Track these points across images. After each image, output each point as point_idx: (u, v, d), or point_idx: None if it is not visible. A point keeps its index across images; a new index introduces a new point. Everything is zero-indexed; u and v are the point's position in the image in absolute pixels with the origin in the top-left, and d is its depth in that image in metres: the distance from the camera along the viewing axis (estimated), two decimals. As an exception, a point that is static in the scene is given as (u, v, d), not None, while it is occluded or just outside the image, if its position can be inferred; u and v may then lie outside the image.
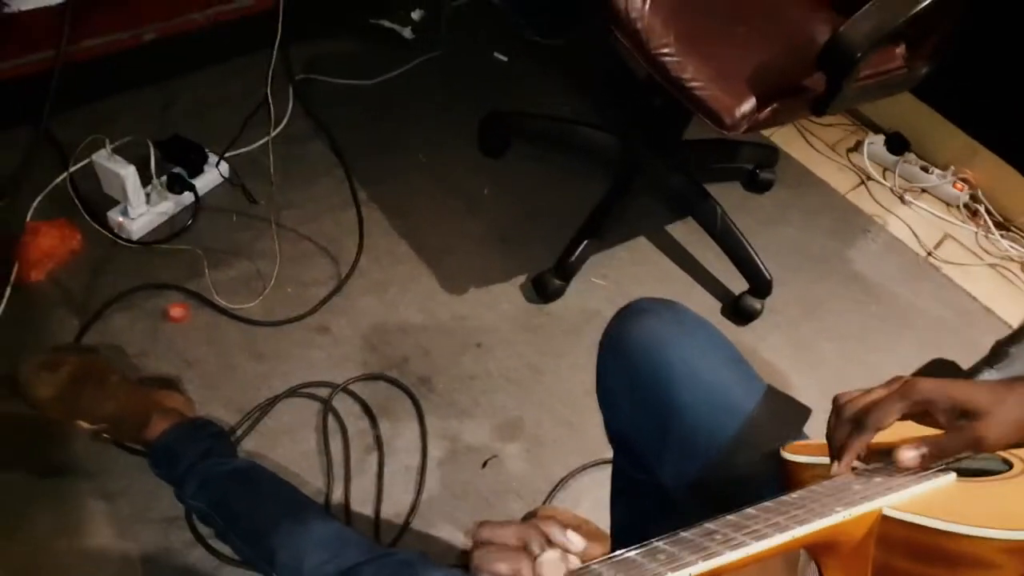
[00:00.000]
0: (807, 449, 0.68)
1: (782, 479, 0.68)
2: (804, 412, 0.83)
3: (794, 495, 0.53)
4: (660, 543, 0.44)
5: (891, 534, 0.51)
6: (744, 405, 0.79)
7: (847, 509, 0.50)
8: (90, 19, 1.40)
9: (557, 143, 1.84)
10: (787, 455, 0.67)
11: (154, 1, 1.48)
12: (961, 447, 0.61)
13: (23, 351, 1.27)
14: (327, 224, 1.60)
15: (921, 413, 0.63)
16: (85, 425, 1.14)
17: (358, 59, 1.92)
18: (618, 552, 0.43)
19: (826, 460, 0.64)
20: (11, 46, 1.32)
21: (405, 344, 1.46)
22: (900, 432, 0.66)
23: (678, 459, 0.80)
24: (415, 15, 2.01)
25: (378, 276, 1.55)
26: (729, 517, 0.48)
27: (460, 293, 1.55)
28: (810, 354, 1.60)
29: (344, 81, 1.85)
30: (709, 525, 0.47)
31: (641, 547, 0.43)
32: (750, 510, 0.50)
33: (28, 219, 1.45)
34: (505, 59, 2.03)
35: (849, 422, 0.64)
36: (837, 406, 0.67)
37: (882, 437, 0.65)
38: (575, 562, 0.44)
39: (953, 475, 0.59)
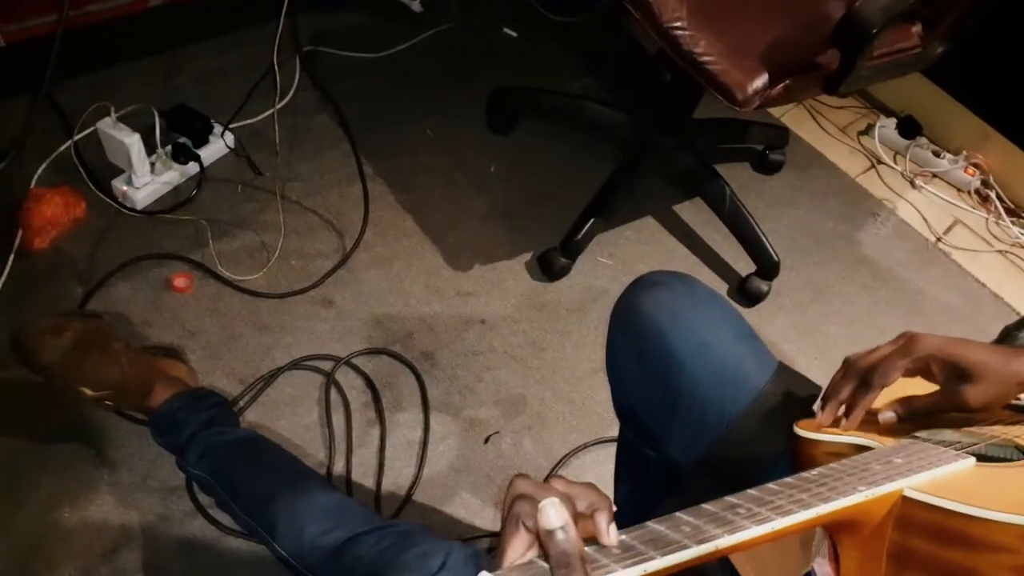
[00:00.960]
0: (819, 426, 0.68)
1: (793, 456, 0.68)
2: (815, 389, 0.82)
3: (814, 472, 0.53)
4: (683, 515, 0.43)
5: (911, 516, 0.51)
6: (755, 380, 0.79)
7: (869, 489, 0.50)
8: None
9: (565, 120, 1.82)
10: (800, 431, 0.66)
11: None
12: (946, 405, 0.62)
13: (27, 318, 1.27)
14: (332, 197, 1.59)
15: (925, 369, 0.64)
16: (88, 392, 1.14)
17: (366, 32, 1.90)
18: (640, 524, 0.42)
19: (839, 438, 0.64)
20: (15, 8, 1.30)
21: (409, 319, 1.45)
22: (908, 390, 0.66)
23: (687, 433, 0.79)
24: (424, -12, 1.99)
25: (383, 250, 1.54)
26: (751, 492, 0.48)
27: (465, 269, 1.54)
28: (817, 337, 1.59)
29: (352, 54, 1.83)
30: (731, 499, 0.46)
31: (664, 519, 0.42)
32: (771, 485, 0.49)
33: (32, 186, 1.44)
34: (515, 35, 2.00)
35: (855, 378, 0.65)
36: (845, 363, 0.68)
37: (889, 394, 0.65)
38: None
39: (972, 460, 0.58)
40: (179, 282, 1.39)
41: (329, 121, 1.71)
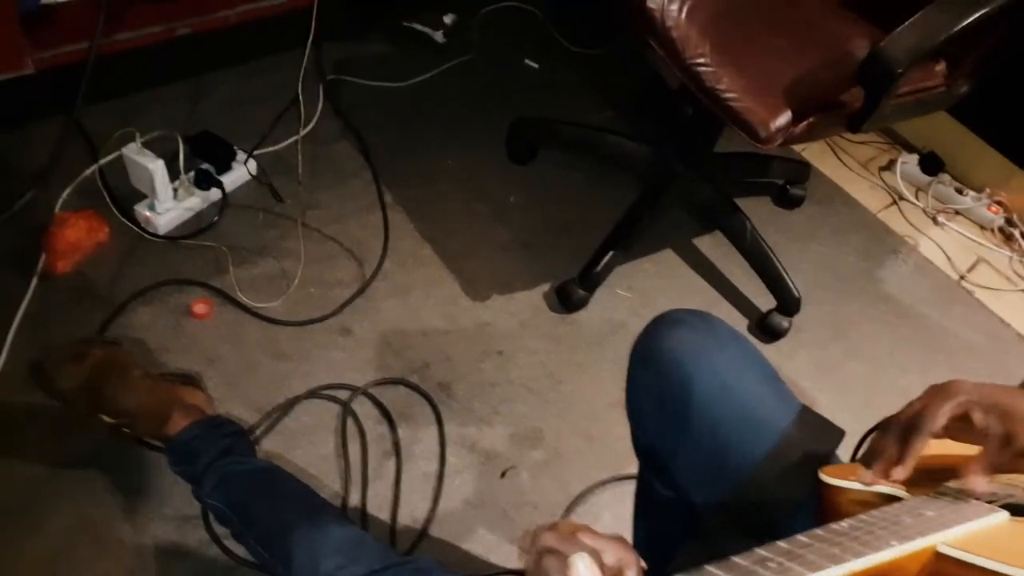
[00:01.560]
0: (846, 472, 0.66)
1: (819, 503, 0.66)
2: (838, 433, 0.80)
3: (844, 524, 0.52)
4: (712, 569, 0.42)
5: (944, 572, 0.50)
6: (778, 423, 0.77)
7: (902, 544, 0.49)
8: (124, 12, 1.41)
9: (585, 151, 1.83)
10: (826, 478, 0.65)
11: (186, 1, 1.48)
12: (1006, 455, 0.60)
13: (48, 342, 1.28)
14: (352, 225, 1.60)
15: (963, 417, 0.63)
16: (106, 419, 1.14)
17: (389, 61, 1.92)
18: None
19: (867, 487, 0.63)
20: (46, 36, 1.33)
21: (426, 349, 1.45)
22: (936, 452, 0.65)
23: (709, 476, 0.78)
24: (447, 19, 2.01)
25: (402, 279, 1.54)
26: (781, 544, 0.47)
27: (483, 299, 1.54)
28: (838, 375, 1.57)
29: (375, 83, 1.85)
30: (762, 552, 0.45)
31: (690, 573, 0.42)
32: (801, 537, 0.48)
33: (57, 210, 1.46)
34: (536, 66, 2.02)
35: (900, 432, 0.64)
36: (883, 424, 0.66)
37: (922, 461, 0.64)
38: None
39: (1006, 514, 0.57)
40: (199, 308, 1.39)
41: (351, 149, 1.72)
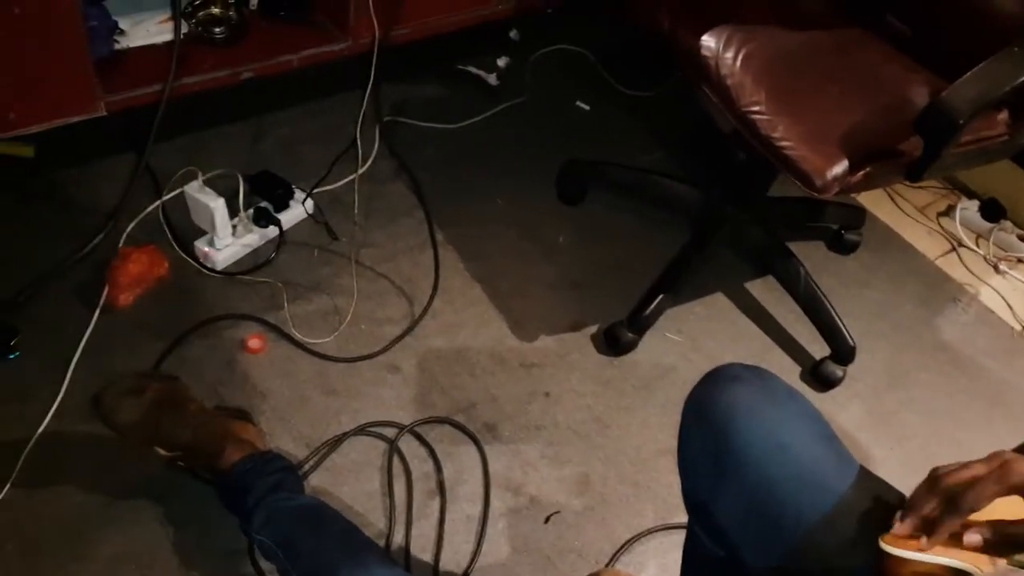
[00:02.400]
0: (907, 542, 0.64)
1: (878, 572, 0.64)
2: (899, 498, 0.78)
3: None
4: None
5: None
6: (835, 485, 0.76)
7: None
8: (192, 57, 1.46)
9: (636, 193, 1.83)
10: (887, 547, 0.63)
11: (254, 42, 1.53)
12: None
13: (107, 373, 1.32)
14: (404, 264, 1.62)
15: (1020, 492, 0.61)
16: (161, 451, 1.16)
17: (444, 103, 1.95)
18: None
19: (930, 559, 0.61)
20: (117, 80, 1.38)
21: (473, 389, 1.45)
22: (999, 509, 0.63)
23: (761, 537, 0.76)
24: (500, 62, 2.05)
25: (451, 318, 1.55)
26: None
27: (531, 340, 1.54)
28: (893, 427, 1.53)
29: (429, 124, 1.88)
30: None
31: None
32: None
33: (121, 244, 1.50)
34: (587, 108, 2.03)
35: (943, 497, 0.62)
36: (932, 477, 0.65)
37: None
38: None
39: None
40: (253, 343, 1.42)
41: (404, 189, 1.75)
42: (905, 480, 0.80)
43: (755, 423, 0.77)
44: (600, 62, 2.10)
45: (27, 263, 1.44)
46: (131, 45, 1.46)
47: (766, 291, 1.71)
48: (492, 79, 2.01)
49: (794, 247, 1.66)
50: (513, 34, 2.13)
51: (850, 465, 0.77)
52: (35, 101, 1.28)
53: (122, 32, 1.45)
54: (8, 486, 1.19)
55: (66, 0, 1.21)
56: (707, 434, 0.79)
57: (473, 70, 2.02)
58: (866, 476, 0.77)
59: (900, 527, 0.64)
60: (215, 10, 1.51)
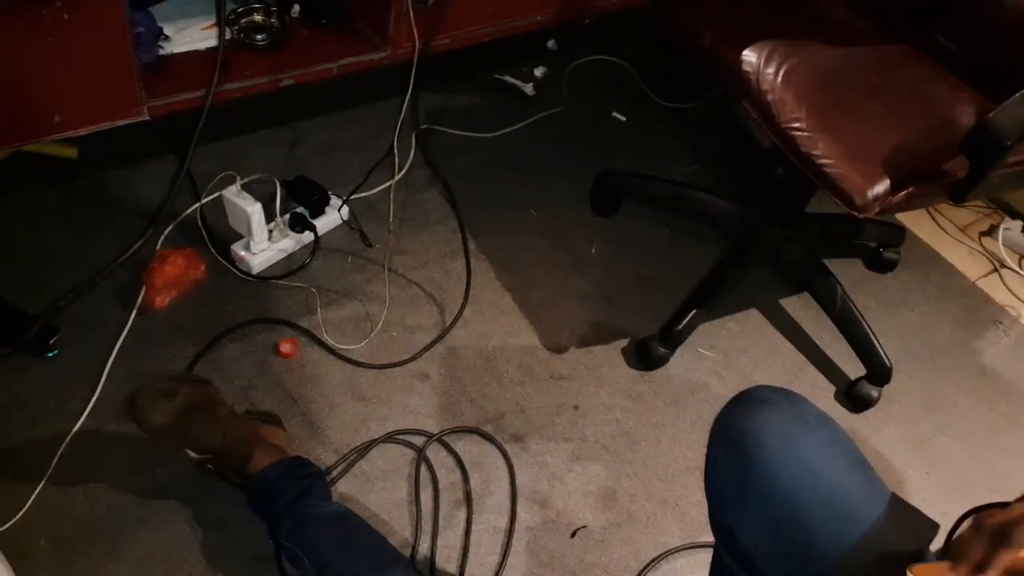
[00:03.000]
0: (937, 573, 0.63)
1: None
2: (931, 527, 0.76)
3: None
4: None
5: None
6: (866, 513, 0.74)
7: None
8: (235, 64, 1.48)
9: (671, 206, 1.81)
10: (918, 581, 0.62)
11: (295, 50, 1.55)
12: None
13: (142, 373, 1.34)
14: (436, 271, 1.62)
15: None
16: (192, 454, 1.18)
17: (480, 112, 1.96)
18: None
19: None
20: (164, 85, 1.41)
21: (502, 399, 1.45)
22: None
23: (789, 565, 0.75)
24: (538, 72, 2.05)
25: (481, 327, 1.55)
26: None
27: (560, 351, 1.53)
28: (929, 451, 1.50)
29: (464, 133, 1.89)
30: None
31: None
32: None
33: (159, 246, 1.53)
34: (624, 119, 2.02)
35: (991, 536, 0.60)
36: (975, 521, 0.63)
37: None
38: None
39: None
40: (286, 347, 1.43)
41: (439, 197, 1.75)
42: (940, 506, 0.78)
43: (785, 449, 0.75)
44: (638, 73, 2.09)
45: (68, 263, 1.47)
46: (175, 51, 1.48)
47: (801, 308, 1.69)
48: (528, 89, 2.02)
49: (831, 264, 1.63)
50: (551, 44, 2.13)
51: (881, 493, 0.76)
52: (80, 104, 1.30)
53: (167, 38, 1.48)
54: (43, 483, 1.21)
55: (115, 6, 1.23)
56: (734, 459, 0.78)
57: (509, 79, 2.02)
58: (898, 504, 0.75)
59: None
60: (257, 17, 1.53)
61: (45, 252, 1.50)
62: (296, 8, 1.61)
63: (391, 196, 1.67)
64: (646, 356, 1.53)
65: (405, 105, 1.50)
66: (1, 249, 1.49)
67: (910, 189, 1.19)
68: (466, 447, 1.38)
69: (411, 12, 1.54)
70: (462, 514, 1.30)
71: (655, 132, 2.01)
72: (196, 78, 1.42)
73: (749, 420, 0.78)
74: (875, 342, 1.53)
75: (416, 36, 1.57)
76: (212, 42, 1.48)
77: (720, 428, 0.82)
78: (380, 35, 1.59)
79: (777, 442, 0.76)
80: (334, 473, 1.31)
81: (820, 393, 1.56)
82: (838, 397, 1.56)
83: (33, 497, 1.19)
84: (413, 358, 1.48)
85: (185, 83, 1.42)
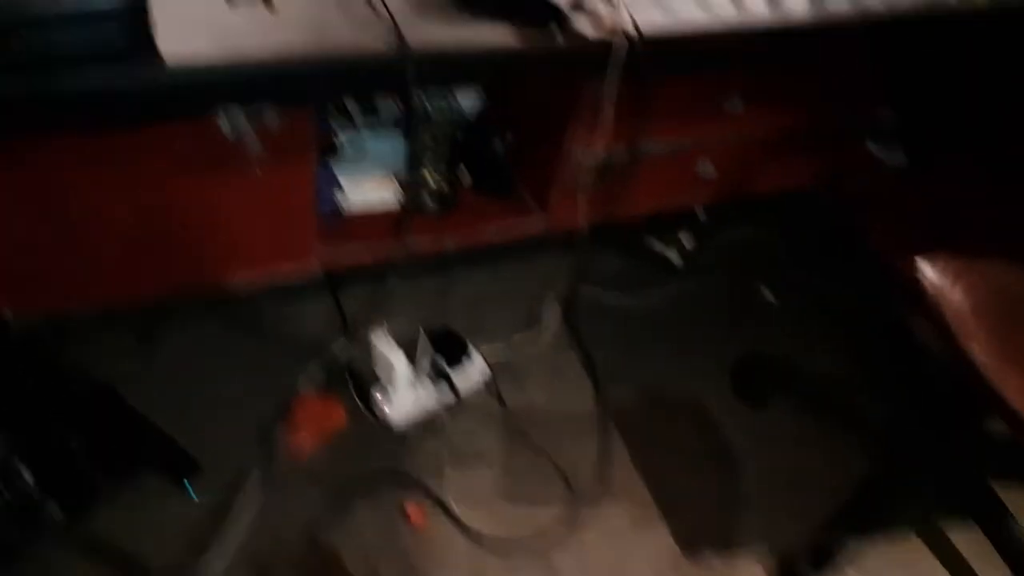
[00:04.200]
0: None
1: None
2: None
3: None
4: None
5: None
6: None
7: None
8: (410, 226, 1.50)
9: (821, 402, 1.71)
10: None
11: (460, 215, 1.59)
12: None
13: (273, 520, 1.33)
14: (567, 444, 1.57)
15: None
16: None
17: (624, 277, 1.93)
18: None
19: None
20: (336, 239, 1.45)
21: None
22: None
23: None
24: (685, 240, 2.02)
25: (613, 517, 1.47)
26: None
27: (697, 559, 1.43)
28: None
29: (607, 293, 1.86)
30: None
31: None
32: None
33: (300, 384, 1.54)
34: (773, 300, 1.96)
35: None
36: None
37: None
38: None
39: None
40: (415, 515, 1.40)
41: (577, 363, 1.72)
42: None
43: None
44: (789, 249, 2.04)
45: (212, 395, 1.49)
46: (350, 205, 1.54)
47: (969, 541, 1.52)
48: (675, 256, 1.99)
49: (1007, 497, 1.48)
50: (700, 212, 2.11)
51: None
52: (256, 254, 1.35)
53: (342, 190, 1.54)
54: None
55: (307, 166, 1.28)
56: None
57: (657, 246, 2.00)
58: None
59: None
60: (431, 181, 1.58)
61: (193, 380, 1.53)
62: (468, 178, 1.66)
63: (530, 357, 1.65)
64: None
65: (556, 270, 1.49)
66: (160, 371, 1.54)
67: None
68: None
69: (576, 190, 1.53)
70: None
71: (806, 316, 1.93)
72: (368, 236, 1.46)
73: None
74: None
75: (582, 213, 1.55)
76: (385, 195, 1.53)
77: None
78: (542, 205, 1.61)
79: None
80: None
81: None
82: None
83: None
84: (537, 538, 1.41)
85: (358, 239, 1.46)
